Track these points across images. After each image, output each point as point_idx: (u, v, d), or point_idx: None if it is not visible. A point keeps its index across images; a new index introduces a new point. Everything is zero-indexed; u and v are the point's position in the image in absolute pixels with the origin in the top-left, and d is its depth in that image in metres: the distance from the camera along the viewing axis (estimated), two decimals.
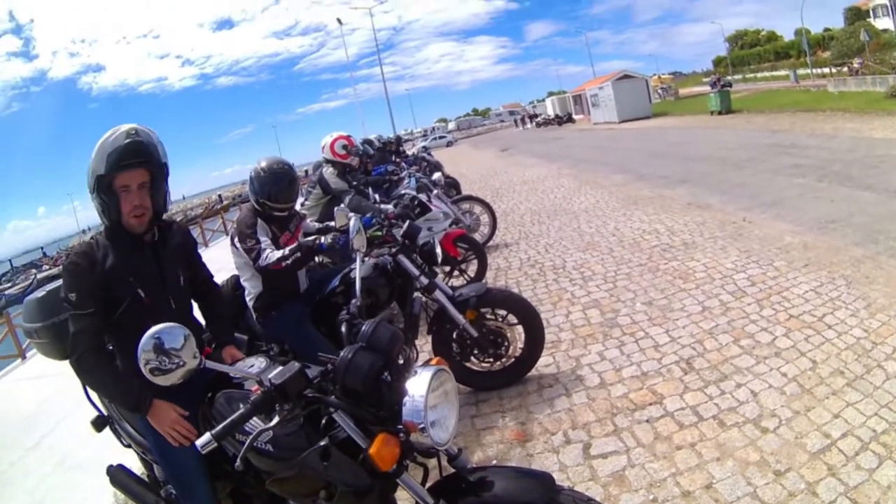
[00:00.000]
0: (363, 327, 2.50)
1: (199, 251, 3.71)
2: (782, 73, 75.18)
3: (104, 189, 2.81)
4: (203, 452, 2.14)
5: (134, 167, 2.80)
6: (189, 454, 2.71)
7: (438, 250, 5.41)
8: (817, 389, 4.70)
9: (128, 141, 2.76)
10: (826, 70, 59.34)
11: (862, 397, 4.51)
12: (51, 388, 7.45)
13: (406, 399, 2.23)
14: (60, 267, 3.48)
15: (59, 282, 3.07)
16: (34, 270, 53.19)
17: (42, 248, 74.29)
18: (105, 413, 3.60)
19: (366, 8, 69.85)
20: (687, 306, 6.73)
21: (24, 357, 10.64)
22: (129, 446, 3.53)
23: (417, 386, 2.25)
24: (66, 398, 6.43)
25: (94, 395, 3.52)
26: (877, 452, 3.87)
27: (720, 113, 39.64)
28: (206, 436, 2.11)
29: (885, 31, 65.32)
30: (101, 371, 2.86)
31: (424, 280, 5.00)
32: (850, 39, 62.83)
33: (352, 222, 4.30)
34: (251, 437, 2.17)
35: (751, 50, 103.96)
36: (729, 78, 68.84)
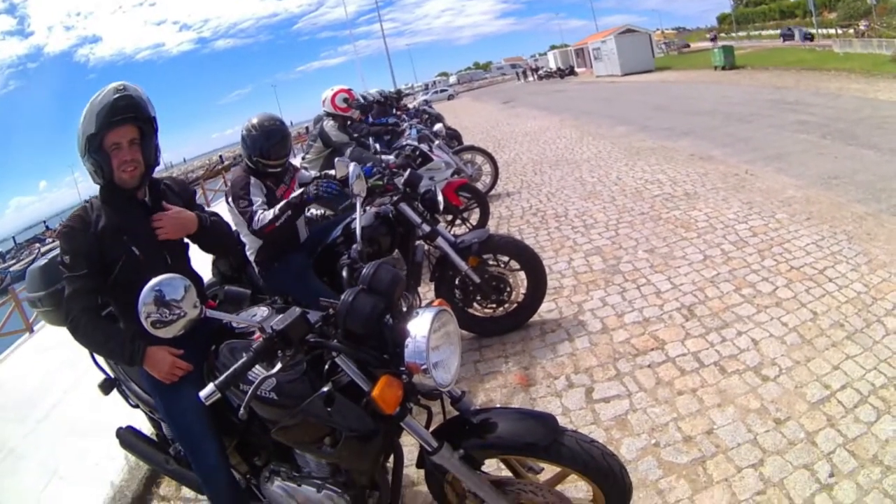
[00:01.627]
0: (364, 270, 2.51)
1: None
2: (775, 31, 74.62)
3: (95, 149, 2.80)
4: (207, 404, 2.16)
5: (123, 123, 2.78)
6: (194, 408, 2.72)
7: (440, 198, 5.38)
8: (817, 340, 4.75)
9: (116, 96, 2.73)
10: (832, 31, 58.79)
11: (861, 350, 4.55)
12: (59, 359, 7.42)
13: (408, 340, 2.24)
14: None
15: None
16: (38, 245, 52.47)
17: (45, 221, 73.65)
18: (112, 375, 3.60)
19: None
20: (689, 255, 6.75)
21: (31, 330, 10.57)
22: (136, 406, 3.54)
23: (419, 327, 2.26)
24: (74, 367, 6.44)
25: (100, 359, 3.55)
26: (875, 406, 3.92)
27: (724, 68, 39.33)
28: (210, 386, 2.13)
29: None
30: (94, 331, 2.86)
31: (426, 227, 5.00)
32: (857, 2, 62.22)
33: (351, 168, 4.28)
34: (254, 385, 2.17)
35: (756, 8, 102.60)
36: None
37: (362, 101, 9.30)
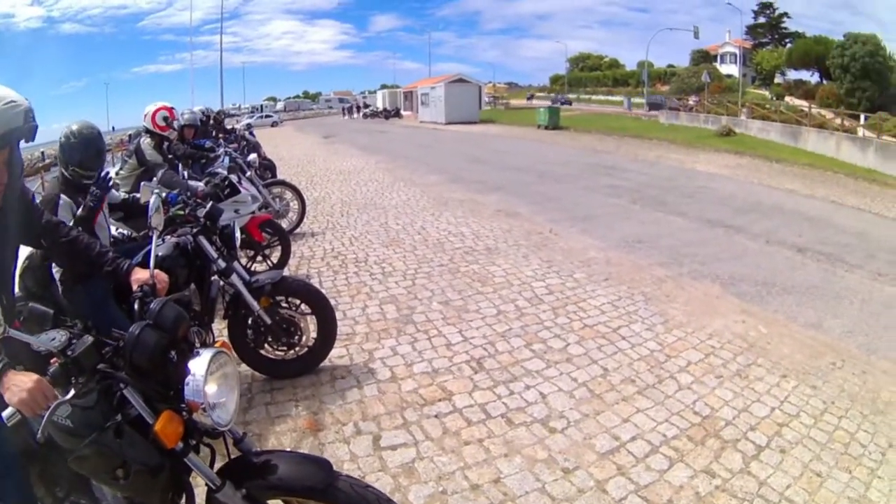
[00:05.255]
0: (151, 305, 2.52)
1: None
2: (618, 98, 78.77)
3: None
4: (8, 425, 2.15)
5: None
6: None
7: (238, 234, 5.40)
8: (607, 395, 5.00)
9: (26, 124, 2.50)
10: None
11: (653, 405, 4.85)
12: None
13: (188, 378, 2.29)
14: None
15: None
16: None
17: None
18: None
19: None
20: (482, 308, 6.94)
21: None
22: None
23: (198, 366, 2.31)
24: None
25: None
26: (668, 455, 4.18)
27: (547, 128, 41.28)
28: (10, 408, 2.13)
29: (730, 76, 69.67)
30: None
31: (222, 263, 4.97)
32: (692, 78, 66.89)
33: (151, 199, 4.22)
34: (50, 409, 2.14)
35: (591, 73, 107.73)
36: (569, 96, 70.60)
37: (180, 121, 9.08)
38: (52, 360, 2.32)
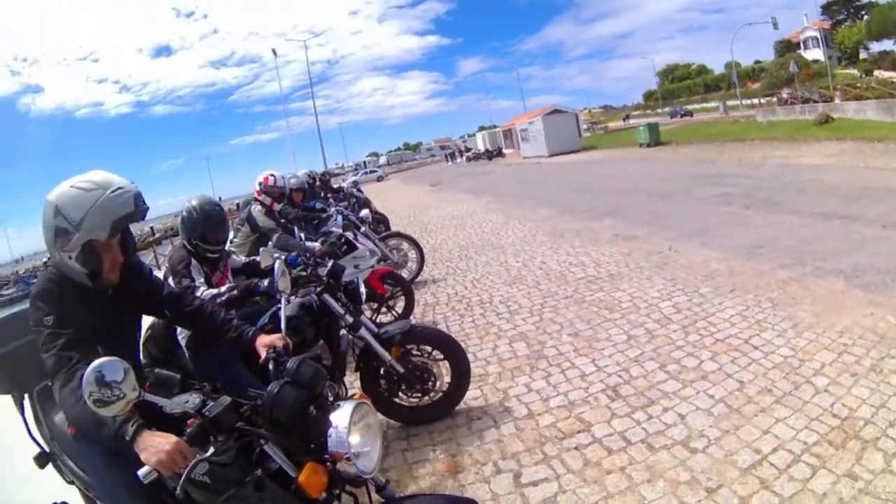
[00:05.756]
0: (288, 364, 2.60)
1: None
2: (712, 104, 77.57)
3: (88, 249, 2.74)
4: (145, 483, 2.18)
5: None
6: (131, 488, 2.65)
7: (363, 289, 5.43)
8: (745, 408, 4.83)
9: (139, 206, 2.74)
10: (756, 101, 60.93)
11: (791, 412, 4.65)
12: None
13: (331, 430, 2.36)
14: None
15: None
16: None
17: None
18: (47, 449, 3.54)
19: (300, 40, 70.85)
20: (612, 336, 6.81)
21: None
22: (72, 482, 3.45)
23: (340, 418, 2.39)
24: (6, 436, 6.25)
25: (35, 431, 3.50)
26: (810, 463, 4.01)
27: (648, 145, 40.87)
28: (146, 467, 2.19)
29: (816, 61, 67.83)
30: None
31: (349, 318, 5.01)
32: (781, 71, 65.11)
33: (276, 265, 4.31)
34: (188, 468, 2.21)
35: (681, 83, 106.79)
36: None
37: (287, 186, 9.30)
38: (189, 422, 2.39)
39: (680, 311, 7.26)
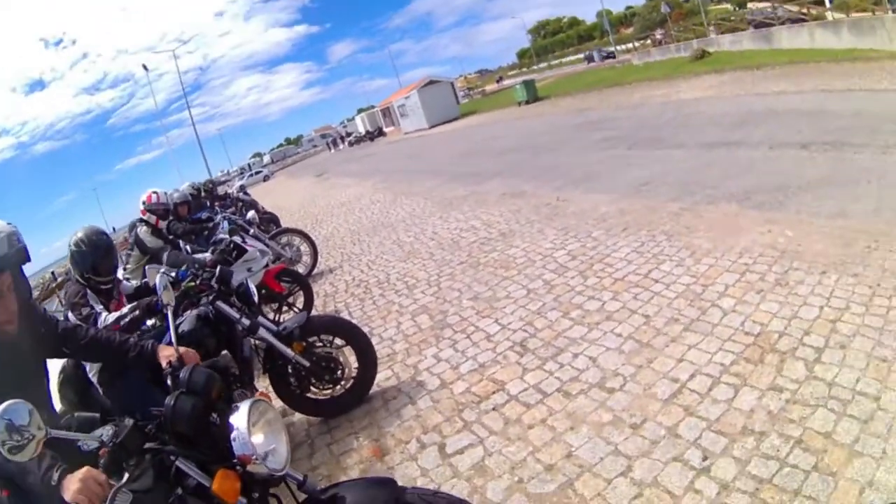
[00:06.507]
0: (181, 374, 2.61)
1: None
2: (579, 56, 78.61)
3: None
4: None
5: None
6: None
7: (254, 290, 5.38)
8: (655, 341, 4.99)
9: (11, 248, 2.65)
10: (630, 45, 62.04)
11: (703, 337, 4.83)
12: None
13: (234, 434, 2.33)
14: None
15: None
16: None
17: None
18: None
19: (169, 51, 68.75)
20: (512, 293, 6.91)
21: None
22: None
23: (239, 420, 2.36)
24: None
25: None
26: (731, 383, 4.16)
27: (527, 102, 41.34)
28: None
29: (688, 0, 69.18)
30: None
31: (246, 321, 4.95)
32: (653, 14, 66.60)
33: (158, 279, 4.24)
34: (109, 498, 2.18)
35: (554, 38, 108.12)
36: (612, 49, 70.19)
37: (161, 204, 9.07)
38: (100, 452, 2.35)
39: (575, 258, 7.40)
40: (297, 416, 5.49)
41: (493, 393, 4.94)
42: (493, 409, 4.71)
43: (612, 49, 69.95)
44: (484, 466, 4.07)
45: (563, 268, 7.22)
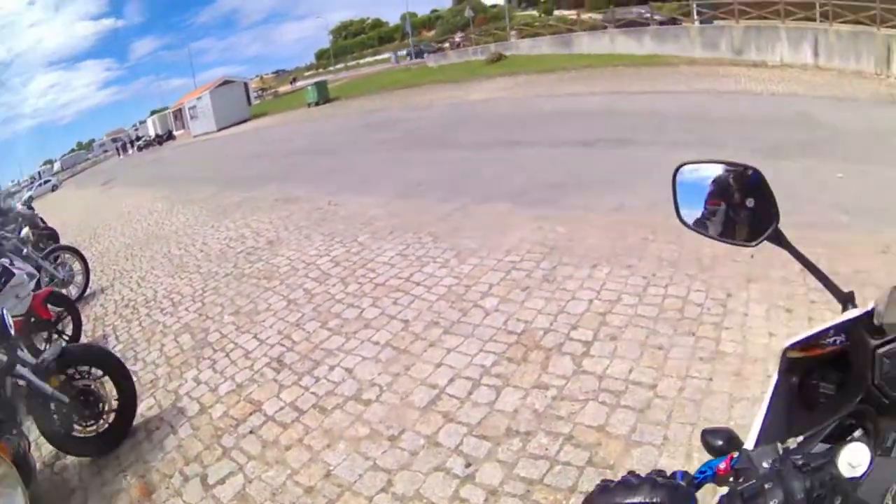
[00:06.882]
0: None
1: None
2: (385, 56, 79.69)
3: None
4: None
5: None
6: None
7: (10, 321, 4.88)
8: (413, 346, 5.18)
9: None
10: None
11: (462, 339, 5.05)
12: None
13: None
14: None
15: None
16: None
17: None
18: None
19: None
20: (272, 304, 7.03)
21: None
22: None
23: None
24: None
25: None
26: (492, 385, 4.36)
27: (318, 104, 42.09)
28: None
29: (495, 6, 70.98)
30: None
31: (3, 358, 4.53)
32: (457, 18, 68.13)
33: None
34: None
35: (355, 39, 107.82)
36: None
37: None
38: None
39: (338, 264, 7.61)
40: (70, 459, 5.08)
41: (251, 414, 4.94)
42: (251, 431, 4.71)
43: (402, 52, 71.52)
44: (245, 495, 4.03)
45: (326, 275, 7.37)
